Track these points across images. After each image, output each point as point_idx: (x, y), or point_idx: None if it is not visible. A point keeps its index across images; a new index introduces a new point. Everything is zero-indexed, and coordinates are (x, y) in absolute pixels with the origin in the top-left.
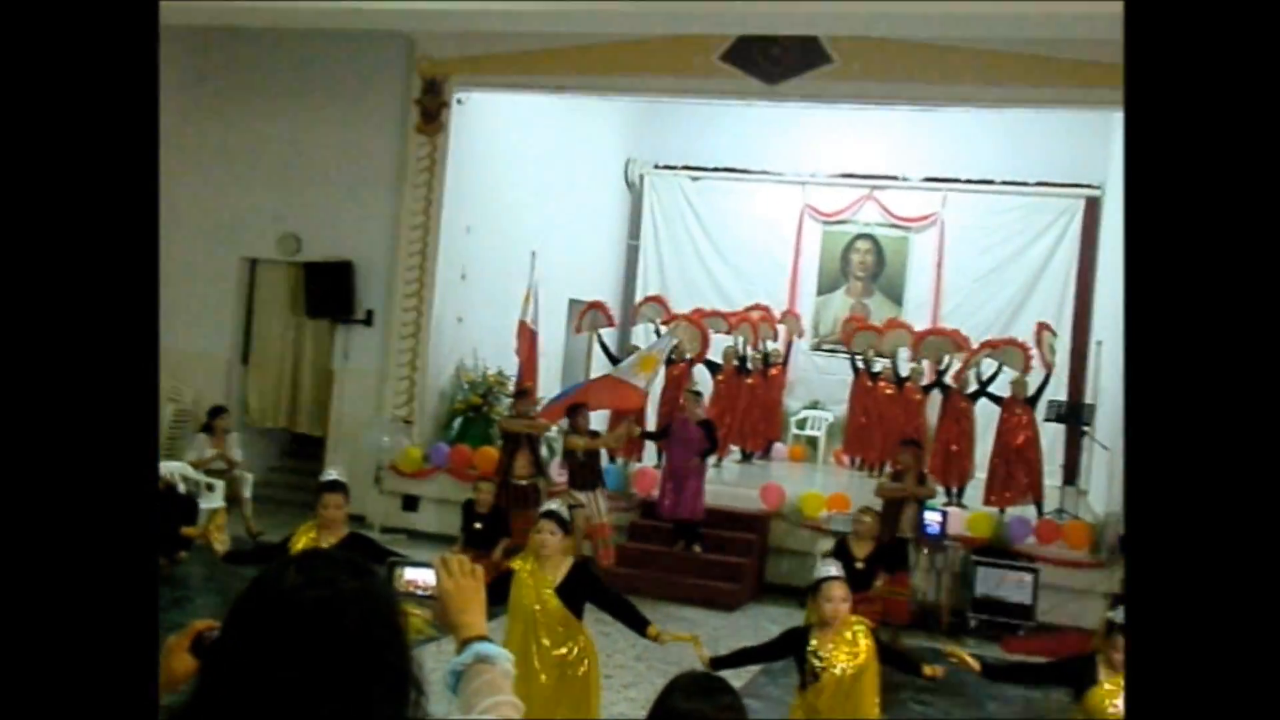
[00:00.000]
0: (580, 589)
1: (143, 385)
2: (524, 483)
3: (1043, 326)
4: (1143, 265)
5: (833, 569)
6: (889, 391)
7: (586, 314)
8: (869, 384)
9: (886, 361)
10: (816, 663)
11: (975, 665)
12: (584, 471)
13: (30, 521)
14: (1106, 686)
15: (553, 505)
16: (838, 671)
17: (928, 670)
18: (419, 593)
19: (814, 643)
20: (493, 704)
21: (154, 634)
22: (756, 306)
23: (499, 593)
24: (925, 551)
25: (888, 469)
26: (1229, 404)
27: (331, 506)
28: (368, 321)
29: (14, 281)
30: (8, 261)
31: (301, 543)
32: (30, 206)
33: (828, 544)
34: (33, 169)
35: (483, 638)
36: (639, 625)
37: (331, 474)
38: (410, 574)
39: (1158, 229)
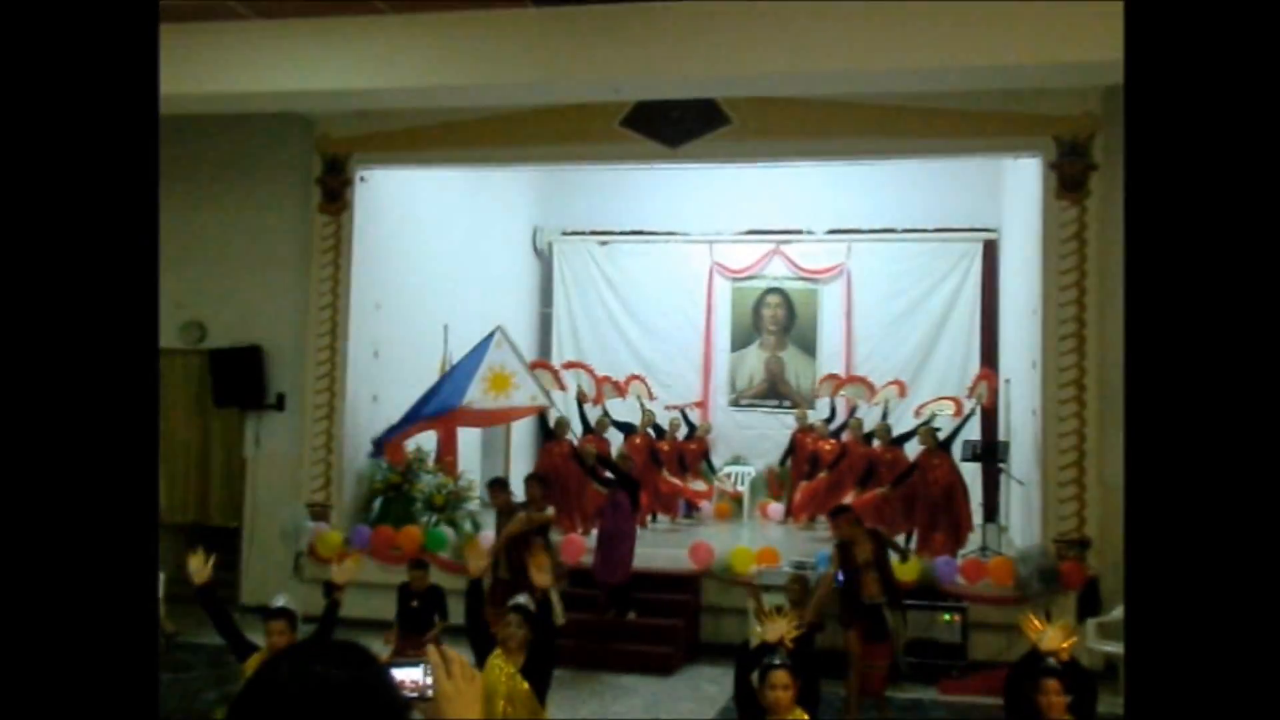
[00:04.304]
0: (538, 664)
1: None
2: (509, 578)
3: (985, 376)
4: (1143, 268)
5: (776, 658)
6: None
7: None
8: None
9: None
10: None
11: None
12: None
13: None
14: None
15: (520, 599)
16: None
17: None
18: (409, 694)
19: None
20: None
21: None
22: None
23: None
24: (899, 613)
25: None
26: (1228, 410)
27: (275, 633)
28: (279, 406)
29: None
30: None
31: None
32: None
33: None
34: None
35: None
36: None
37: (279, 601)
38: (398, 674)
39: (1158, 230)
